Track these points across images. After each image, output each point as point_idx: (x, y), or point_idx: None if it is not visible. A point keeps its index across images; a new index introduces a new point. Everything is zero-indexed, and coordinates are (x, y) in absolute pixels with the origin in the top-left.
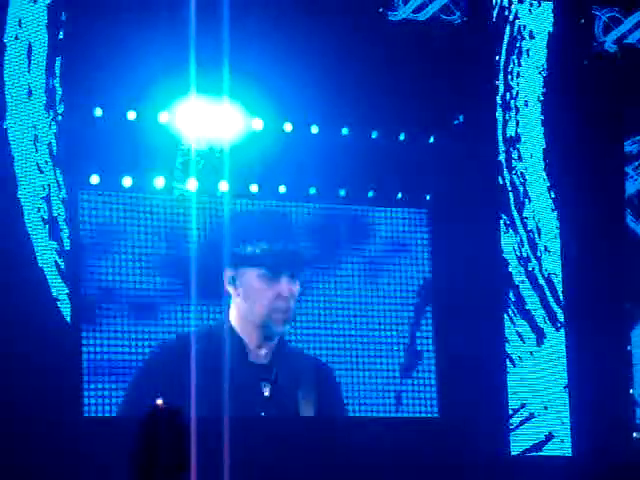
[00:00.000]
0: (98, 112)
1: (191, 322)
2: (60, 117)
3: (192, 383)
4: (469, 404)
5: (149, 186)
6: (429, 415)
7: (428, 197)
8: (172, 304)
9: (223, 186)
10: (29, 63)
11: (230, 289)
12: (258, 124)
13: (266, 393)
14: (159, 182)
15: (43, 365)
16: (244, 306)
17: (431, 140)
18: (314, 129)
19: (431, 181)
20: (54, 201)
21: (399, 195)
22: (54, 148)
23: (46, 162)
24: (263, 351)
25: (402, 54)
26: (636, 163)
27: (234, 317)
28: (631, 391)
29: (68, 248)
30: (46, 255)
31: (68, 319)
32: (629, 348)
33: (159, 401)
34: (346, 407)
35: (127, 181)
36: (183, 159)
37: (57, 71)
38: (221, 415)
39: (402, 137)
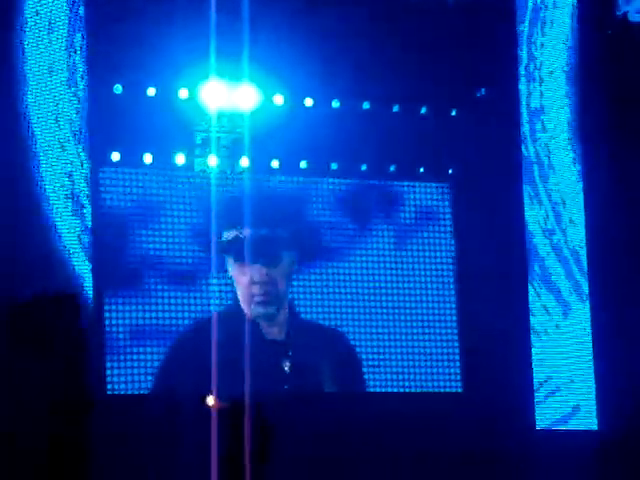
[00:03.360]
0: (118, 89)
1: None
2: (81, 93)
3: (213, 365)
4: (493, 378)
5: (169, 162)
6: (452, 390)
7: (450, 171)
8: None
9: (244, 162)
10: (50, 39)
11: None
12: (279, 99)
13: (286, 369)
14: (180, 159)
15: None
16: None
17: (453, 113)
18: (335, 104)
19: (453, 155)
20: (76, 178)
21: (421, 169)
22: (76, 125)
23: (68, 139)
24: (275, 329)
25: (423, 26)
26: None
27: None
28: None
29: (90, 225)
30: (69, 233)
31: (91, 296)
32: None
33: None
34: (367, 380)
35: (148, 158)
36: (204, 135)
37: (78, 47)
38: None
39: (423, 110)
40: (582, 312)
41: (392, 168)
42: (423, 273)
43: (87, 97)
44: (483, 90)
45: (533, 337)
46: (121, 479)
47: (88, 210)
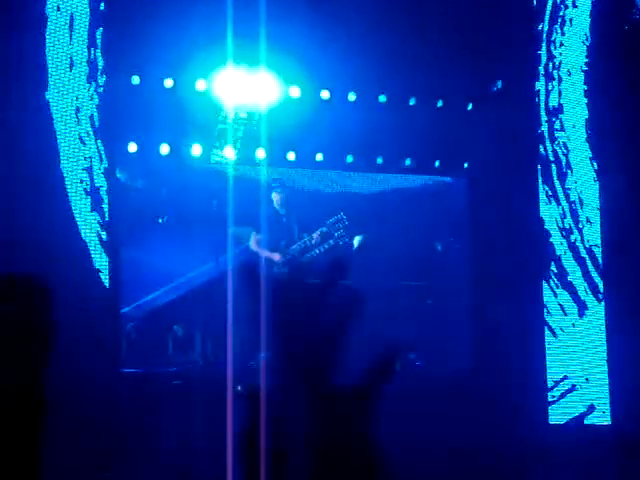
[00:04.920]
0: (136, 80)
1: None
2: (102, 89)
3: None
4: (507, 375)
5: (186, 153)
6: (466, 384)
7: (466, 165)
8: None
9: (260, 153)
10: (71, 34)
11: None
12: (295, 92)
13: None
14: (196, 150)
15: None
16: None
17: (469, 107)
18: (351, 97)
19: (469, 149)
20: (96, 173)
21: (437, 163)
22: (96, 120)
23: (88, 134)
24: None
25: (440, 21)
26: None
27: None
28: None
29: (109, 219)
30: (88, 227)
31: (106, 283)
32: None
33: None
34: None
35: (165, 149)
36: (220, 126)
37: (99, 42)
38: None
39: (440, 104)
40: (598, 311)
41: (408, 161)
42: (439, 270)
43: (108, 89)
44: (499, 83)
45: (549, 336)
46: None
47: (107, 205)
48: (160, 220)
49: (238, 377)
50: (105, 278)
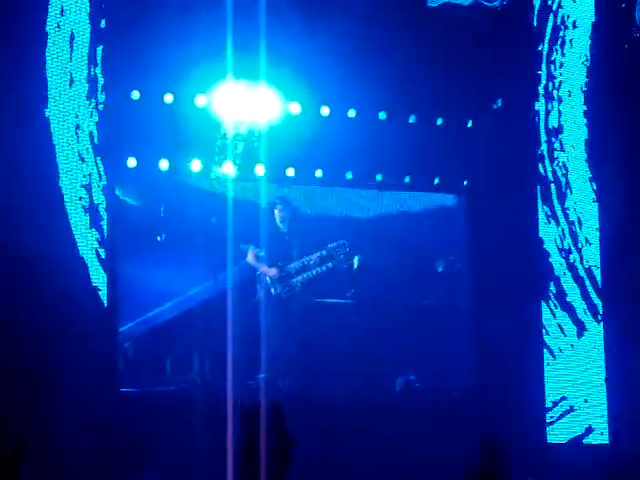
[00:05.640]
0: (136, 95)
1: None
2: (102, 106)
3: None
4: (506, 394)
5: (185, 169)
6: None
7: (465, 182)
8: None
9: (260, 170)
10: (71, 52)
11: None
12: (295, 108)
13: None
14: (196, 165)
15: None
16: None
17: (469, 125)
18: (351, 113)
19: (469, 167)
20: (94, 190)
21: (436, 180)
22: (95, 137)
23: (87, 151)
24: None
25: (441, 39)
26: None
27: None
28: None
29: (108, 237)
30: (87, 244)
31: (104, 301)
32: None
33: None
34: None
35: (164, 164)
36: (220, 142)
37: (99, 60)
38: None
39: (440, 122)
40: (597, 332)
41: (407, 179)
42: (436, 289)
43: (108, 106)
44: (500, 102)
45: (548, 356)
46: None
47: (105, 222)
48: (158, 238)
49: (237, 396)
50: (103, 296)
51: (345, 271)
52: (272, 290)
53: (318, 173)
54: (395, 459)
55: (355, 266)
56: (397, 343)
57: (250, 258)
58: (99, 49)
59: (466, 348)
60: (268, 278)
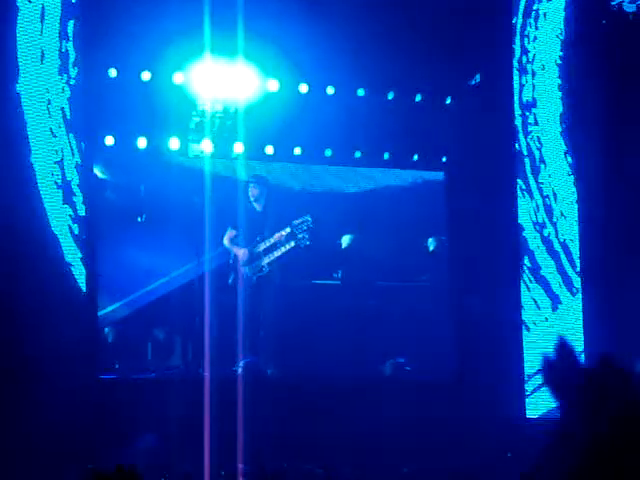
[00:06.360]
0: (113, 73)
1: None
2: (73, 81)
3: None
4: (485, 370)
5: (163, 147)
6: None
7: (444, 159)
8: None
9: (238, 147)
10: (42, 26)
11: None
12: (273, 85)
13: None
14: (174, 143)
15: (58, 328)
16: None
17: (448, 101)
18: (330, 90)
19: (447, 143)
20: (67, 166)
21: (415, 157)
22: (67, 112)
23: (59, 126)
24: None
25: (418, 15)
26: None
27: None
28: None
29: (82, 214)
30: (60, 220)
31: (82, 285)
32: None
33: None
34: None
35: (142, 142)
36: (197, 120)
37: (70, 34)
38: None
39: (418, 98)
40: (572, 305)
41: (386, 155)
42: (415, 265)
43: (81, 82)
44: (478, 77)
45: (522, 330)
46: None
47: (79, 198)
48: (139, 218)
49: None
50: (80, 276)
51: (307, 250)
52: (246, 272)
53: (297, 151)
54: (380, 439)
55: (344, 246)
56: (385, 324)
57: (225, 240)
58: (70, 23)
59: (448, 325)
60: (241, 261)
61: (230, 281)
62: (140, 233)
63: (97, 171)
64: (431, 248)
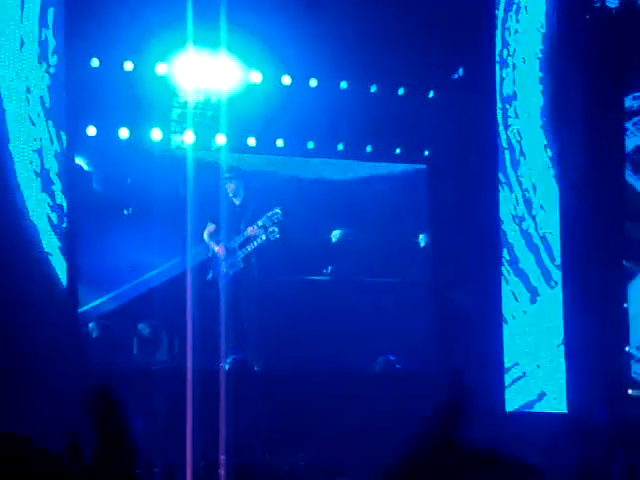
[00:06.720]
0: (95, 62)
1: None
2: (53, 69)
3: None
4: (465, 362)
5: (146, 138)
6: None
7: (427, 152)
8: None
9: (220, 139)
10: (22, 13)
11: None
12: (256, 77)
13: None
14: (156, 134)
15: (38, 318)
16: None
17: (430, 95)
18: (313, 82)
19: (430, 136)
20: (46, 154)
21: (397, 150)
22: (47, 100)
23: (38, 115)
24: None
25: (401, 9)
26: (636, 119)
27: None
28: (627, 348)
29: (60, 202)
30: (38, 208)
31: (61, 274)
32: (625, 305)
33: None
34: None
35: (124, 133)
36: (180, 111)
37: (50, 22)
38: None
39: (401, 91)
40: (551, 298)
41: (369, 148)
42: (396, 257)
43: (63, 71)
44: (460, 71)
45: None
46: None
47: (58, 187)
48: (125, 211)
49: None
50: (61, 270)
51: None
52: (223, 268)
53: (279, 143)
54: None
55: (334, 240)
56: (373, 320)
57: (205, 235)
58: (50, 11)
59: (430, 319)
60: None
61: (209, 277)
62: (126, 226)
63: (82, 163)
64: (422, 244)
